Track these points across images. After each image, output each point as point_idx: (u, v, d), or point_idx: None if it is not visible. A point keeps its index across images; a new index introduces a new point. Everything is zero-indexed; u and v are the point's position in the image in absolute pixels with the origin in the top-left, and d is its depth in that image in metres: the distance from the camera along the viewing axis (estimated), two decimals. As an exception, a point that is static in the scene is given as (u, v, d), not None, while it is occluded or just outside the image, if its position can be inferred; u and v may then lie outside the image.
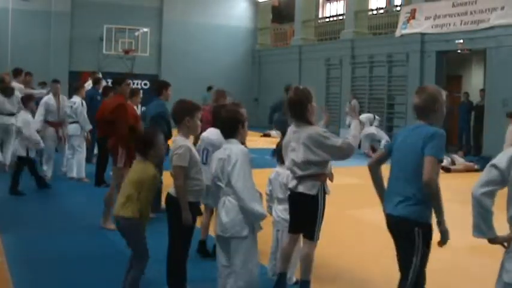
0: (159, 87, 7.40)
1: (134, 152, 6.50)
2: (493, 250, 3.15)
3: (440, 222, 3.46)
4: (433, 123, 3.56)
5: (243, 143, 4.05)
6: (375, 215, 7.95)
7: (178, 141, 4.21)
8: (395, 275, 4.95)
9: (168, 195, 4.26)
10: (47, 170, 9.55)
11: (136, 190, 4.17)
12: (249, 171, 3.80)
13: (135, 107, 7.61)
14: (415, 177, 3.42)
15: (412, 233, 3.46)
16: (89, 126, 9.73)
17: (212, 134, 5.26)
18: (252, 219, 3.80)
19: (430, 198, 3.42)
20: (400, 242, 3.62)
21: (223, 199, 3.86)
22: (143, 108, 12.45)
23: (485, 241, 3.08)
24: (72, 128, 9.80)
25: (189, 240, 4.27)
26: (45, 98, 9.83)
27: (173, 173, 4.17)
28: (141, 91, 9.18)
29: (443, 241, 3.50)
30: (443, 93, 3.65)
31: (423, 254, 3.50)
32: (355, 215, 7.62)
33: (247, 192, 3.74)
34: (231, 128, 3.93)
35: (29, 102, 8.98)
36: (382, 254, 6.02)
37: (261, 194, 4.03)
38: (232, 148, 3.84)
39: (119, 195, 4.33)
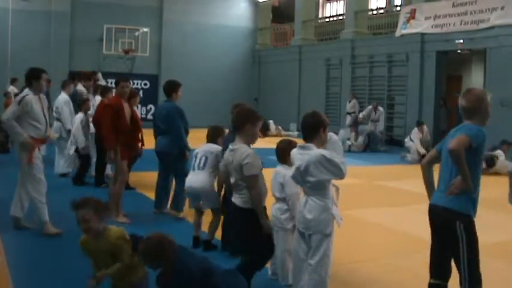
0: (168, 89, 7.09)
1: (128, 148, 6.77)
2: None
3: (466, 178, 3.50)
4: (479, 124, 3.64)
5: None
6: (375, 215, 7.99)
7: (241, 148, 4.20)
8: (396, 275, 4.92)
9: (235, 205, 4.23)
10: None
11: None
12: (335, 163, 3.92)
13: (135, 108, 7.66)
14: (456, 171, 3.53)
15: (454, 226, 3.54)
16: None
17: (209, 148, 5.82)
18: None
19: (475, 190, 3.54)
20: (440, 235, 3.68)
21: (306, 198, 4.03)
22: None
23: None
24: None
25: (273, 248, 4.32)
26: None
27: (247, 183, 4.13)
28: (140, 91, 9.30)
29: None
30: (489, 95, 3.75)
31: (469, 248, 3.53)
32: (355, 215, 7.61)
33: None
34: (313, 131, 4.02)
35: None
36: (383, 254, 6.03)
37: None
38: (309, 154, 3.94)
39: None
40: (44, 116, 6.29)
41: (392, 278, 5.14)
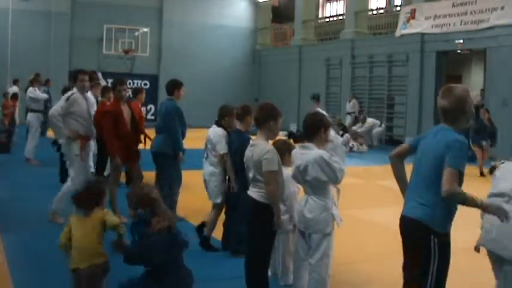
0: (171, 87, 7.09)
1: (131, 151, 6.84)
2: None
3: (481, 207, 3.24)
4: (460, 126, 3.31)
5: None
6: (375, 215, 7.99)
7: (262, 144, 4.18)
8: (396, 275, 4.92)
9: (251, 198, 4.19)
10: None
11: None
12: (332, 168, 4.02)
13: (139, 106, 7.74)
14: (434, 183, 3.20)
15: (427, 240, 3.24)
16: None
17: (211, 132, 5.98)
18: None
19: (454, 204, 3.23)
20: (410, 247, 3.40)
21: (306, 197, 4.10)
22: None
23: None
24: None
25: (271, 246, 4.29)
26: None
27: (264, 179, 4.09)
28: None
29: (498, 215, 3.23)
30: (470, 93, 3.42)
31: (439, 266, 3.24)
32: (355, 215, 7.61)
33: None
34: (313, 132, 4.08)
35: None
36: (382, 255, 6.02)
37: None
38: (309, 154, 3.99)
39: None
40: (89, 114, 6.73)
41: (392, 278, 5.13)
